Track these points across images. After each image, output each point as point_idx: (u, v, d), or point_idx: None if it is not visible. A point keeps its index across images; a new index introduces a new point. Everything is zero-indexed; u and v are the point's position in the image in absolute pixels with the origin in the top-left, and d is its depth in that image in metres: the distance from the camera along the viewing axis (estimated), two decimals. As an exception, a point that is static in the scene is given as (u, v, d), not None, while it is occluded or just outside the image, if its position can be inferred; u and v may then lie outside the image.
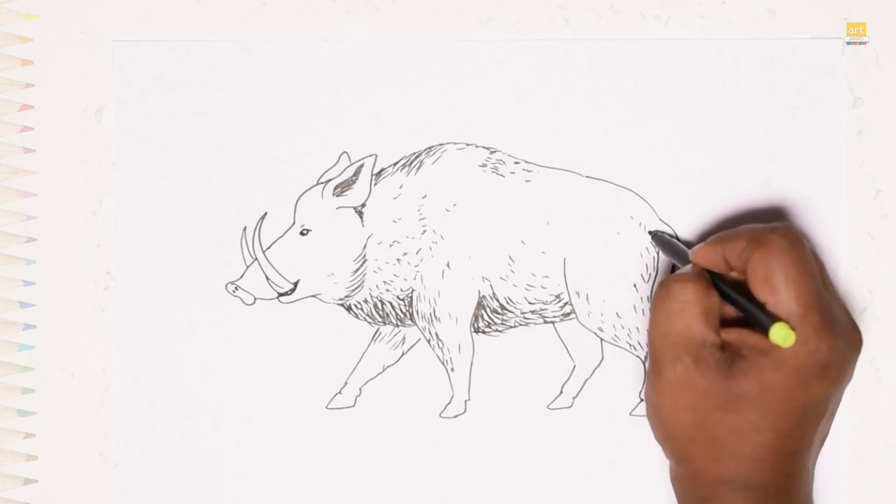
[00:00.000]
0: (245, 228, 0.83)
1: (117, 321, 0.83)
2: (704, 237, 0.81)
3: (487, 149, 0.83)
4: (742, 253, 0.75)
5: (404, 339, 0.84)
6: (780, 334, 0.72)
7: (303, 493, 0.83)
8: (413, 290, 0.83)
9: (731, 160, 0.83)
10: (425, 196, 0.83)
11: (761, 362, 0.73)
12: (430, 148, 0.83)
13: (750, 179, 0.83)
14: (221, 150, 0.83)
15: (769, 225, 0.76)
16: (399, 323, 0.84)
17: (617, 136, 0.83)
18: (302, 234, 0.83)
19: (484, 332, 0.83)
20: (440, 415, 0.83)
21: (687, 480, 0.76)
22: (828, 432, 0.78)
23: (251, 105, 0.83)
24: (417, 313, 0.83)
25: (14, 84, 0.83)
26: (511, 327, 0.84)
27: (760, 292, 0.74)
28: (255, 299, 0.83)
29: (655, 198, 0.83)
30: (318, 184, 0.83)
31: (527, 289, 0.83)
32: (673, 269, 0.83)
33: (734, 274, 0.76)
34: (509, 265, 0.83)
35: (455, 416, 0.83)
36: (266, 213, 0.83)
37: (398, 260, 0.83)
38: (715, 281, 0.76)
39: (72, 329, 0.83)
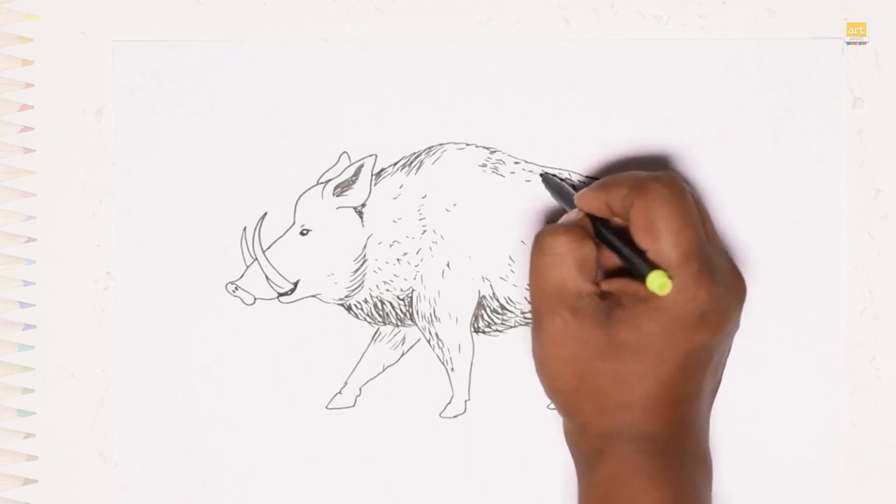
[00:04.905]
0: (245, 228, 0.83)
1: (117, 321, 0.83)
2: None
3: (487, 149, 0.83)
4: (624, 199, 0.74)
5: (404, 339, 0.84)
6: (657, 282, 0.72)
7: (303, 493, 0.83)
8: (413, 290, 0.83)
9: (731, 160, 0.83)
10: (425, 196, 0.83)
11: (640, 310, 0.73)
12: (430, 148, 0.83)
13: (750, 179, 0.83)
14: (221, 150, 0.83)
15: (652, 173, 0.75)
16: (399, 323, 0.84)
17: (617, 136, 0.83)
18: (302, 234, 0.83)
19: (484, 332, 0.83)
20: (440, 415, 0.83)
21: (577, 434, 0.75)
22: (719, 383, 0.77)
23: (251, 105, 0.83)
24: (417, 313, 0.83)
25: (14, 84, 0.83)
26: (511, 327, 0.84)
27: (641, 240, 0.73)
28: (255, 299, 0.83)
29: (655, 198, 0.83)
30: (318, 184, 0.83)
31: (527, 289, 0.83)
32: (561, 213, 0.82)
33: (617, 220, 0.76)
34: (509, 265, 0.83)
35: (455, 416, 0.83)
36: (266, 213, 0.83)
37: (398, 260, 0.83)
38: (597, 227, 0.76)
39: (72, 329, 0.83)
